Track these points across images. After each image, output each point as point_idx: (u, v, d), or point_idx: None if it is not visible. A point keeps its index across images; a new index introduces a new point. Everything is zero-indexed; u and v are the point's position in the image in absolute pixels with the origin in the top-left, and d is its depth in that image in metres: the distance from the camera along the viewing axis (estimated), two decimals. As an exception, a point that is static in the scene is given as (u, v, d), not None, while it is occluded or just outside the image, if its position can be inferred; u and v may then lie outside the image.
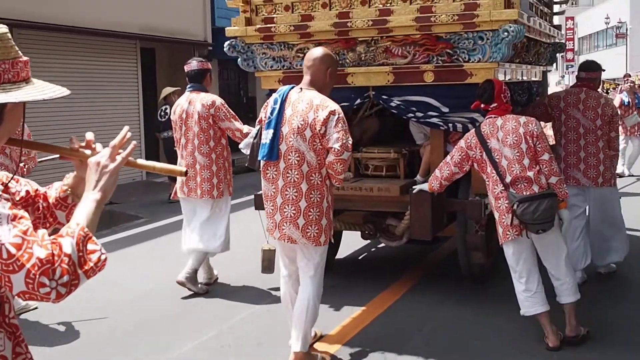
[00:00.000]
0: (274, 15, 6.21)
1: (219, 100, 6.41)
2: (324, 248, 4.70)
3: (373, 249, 7.99)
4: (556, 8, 8.75)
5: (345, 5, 5.96)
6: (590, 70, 6.60)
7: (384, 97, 5.99)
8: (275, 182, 4.62)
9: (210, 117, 6.31)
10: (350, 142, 4.51)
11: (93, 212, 1.89)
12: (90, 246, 1.79)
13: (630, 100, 13.39)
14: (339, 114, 4.51)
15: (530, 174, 4.86)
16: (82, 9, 13.47)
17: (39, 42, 12.88)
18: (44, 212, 2.21)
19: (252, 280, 6.73)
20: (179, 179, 6.49)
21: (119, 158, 2.03)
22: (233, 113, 6.47)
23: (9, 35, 1.88)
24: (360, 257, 7.68)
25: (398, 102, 5.94)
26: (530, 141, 4.91)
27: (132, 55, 15.40)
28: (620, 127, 6.45)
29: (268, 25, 6.18)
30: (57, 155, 2.21)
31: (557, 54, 8.62)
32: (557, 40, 8.33)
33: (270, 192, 4.68)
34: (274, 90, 6.35)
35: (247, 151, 4.92)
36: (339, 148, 4.43)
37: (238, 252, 7.13)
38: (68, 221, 2.16)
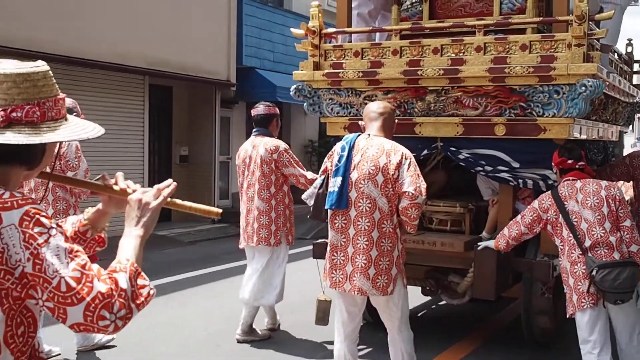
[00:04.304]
0: (343, 61, 6.11)
1: (282, 146, 6.26)
2: (399, 297, 4.50)
3: (433, 306, 7.70)
4: (636, 67, 8.47)
5: (416, 53, 5.81)
6: None
7: (453, 148, 5.80)
8: (346, 232, 4.46)
9: (273, 162, 6.17)
10: (424, 186, 4.37)
11: (138, 248, 1.97)
12: (140, 281, 1.87)
13: None
14: (410, 158, 4.43)
15: (612, 239, 4.58)
16: (79, 38, 11.59)
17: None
18: None
19: (305, 332, 6.51)
20: (241, 225, 6.35)
21: (160, 197, 2.12)
22: (297, 159, 6.34)
23: (51, 72, 1.92)
24: (419, 314, 7.39)
25: (467, 155, 5.74)
26: (612, 205, 4.66)
27: (139, 92, 13.31)
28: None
29: (336, 71, 6.09)
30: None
31: (636, 114, 8.31)
32: (636, 100, 8.03)
33: (340, 242, 4.49)
34: (338, 138, 6.28)
35: (310, 202, 4.79)
36: (413, 192, 4.30)
37: (290, 301, 6.88)
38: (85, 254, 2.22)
